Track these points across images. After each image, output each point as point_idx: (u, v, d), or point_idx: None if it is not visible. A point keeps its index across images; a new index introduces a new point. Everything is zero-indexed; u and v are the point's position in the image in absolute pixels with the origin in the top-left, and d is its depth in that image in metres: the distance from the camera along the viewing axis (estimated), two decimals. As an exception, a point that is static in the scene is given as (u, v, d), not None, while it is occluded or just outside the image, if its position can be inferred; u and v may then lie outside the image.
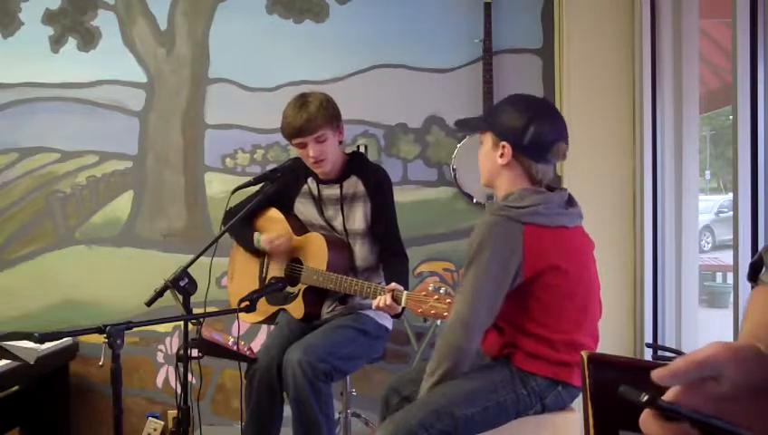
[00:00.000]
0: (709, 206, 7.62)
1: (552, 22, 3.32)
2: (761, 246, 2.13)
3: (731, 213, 2.25)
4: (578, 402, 2.01)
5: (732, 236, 2.21)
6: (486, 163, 2.09)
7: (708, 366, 0.64)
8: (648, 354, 2.86)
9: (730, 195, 2.33)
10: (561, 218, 2.03)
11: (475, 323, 1.95)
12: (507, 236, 1.95)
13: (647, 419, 0.65)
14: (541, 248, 1.96)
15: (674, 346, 2.77)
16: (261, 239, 2.72)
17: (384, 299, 2.33)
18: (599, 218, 2.96)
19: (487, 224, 1.98)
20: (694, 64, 2.81)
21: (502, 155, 2.03)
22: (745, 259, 2.15)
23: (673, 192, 2.87)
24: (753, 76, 2.13)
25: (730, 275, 2.29)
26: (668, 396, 0.66)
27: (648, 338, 2.91)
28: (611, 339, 2.73)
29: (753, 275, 0.94)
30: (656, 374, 0.63)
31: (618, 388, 0.62)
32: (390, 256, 2.71)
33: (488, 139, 2.08)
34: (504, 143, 2.02)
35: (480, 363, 2.08)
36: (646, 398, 0.61)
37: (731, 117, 2.25)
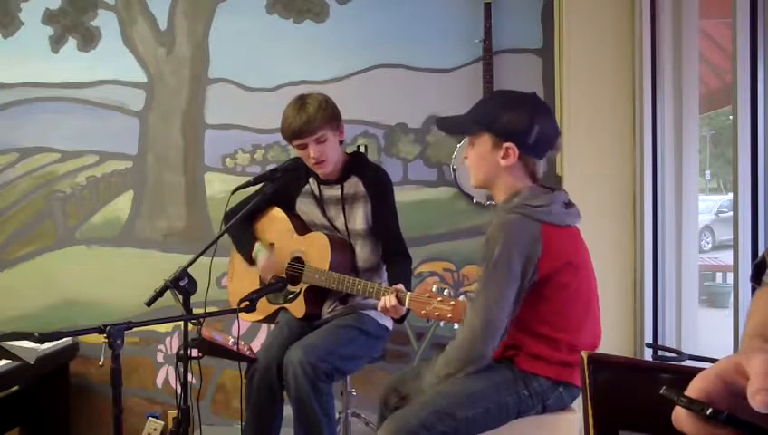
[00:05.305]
0: (709, 206, 7.60)
1: (552, 22, 3.32)
2: (761, 245, 2.13)
3: (731, 213, 2.25)
4: (578, 403, 2.01)
5: (732, 237, 2.21)
6: (483, 165, 2.07)
7: None
8: (648, 354, 2.86)
9: (730, 195, 2.32)
10: (567, 217, 2.05)
11: (500, 330, 1.95)
12: (528, 236, 1.94)
13: (683, 415, 0.62)
14: (556, 246, 1.96)
15: (674, 346, 2.77)
16: (260, 252, 2.70)
17: (389, 300, 2.32)
18: (599, 218, 2.96)
19: (506, 223, 1.97)
20: (694, 64, 2.81)
21: (505, 156, 2.01)
22: (745, 259, 2.15)
23: (673, 192, 2.86)
24: (753, 76, 2.13)
25: (730, 275, 2.29)
26: (694, 391, 0.63)
27: (648, 338, 2.91)
28: (611, 339, 2.73)
29: (757, 277, 0.94)
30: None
31: (617, 387, 0.61)
32: (393, 257, 2.70)
33: (485, 140, 2.05)
34: (509, 144, 2.00)
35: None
36: (710, 411, 0.59)
37: (731, 117, 2.25)
